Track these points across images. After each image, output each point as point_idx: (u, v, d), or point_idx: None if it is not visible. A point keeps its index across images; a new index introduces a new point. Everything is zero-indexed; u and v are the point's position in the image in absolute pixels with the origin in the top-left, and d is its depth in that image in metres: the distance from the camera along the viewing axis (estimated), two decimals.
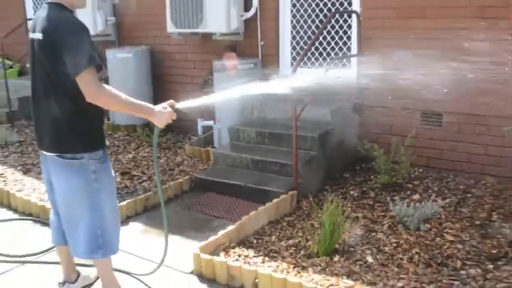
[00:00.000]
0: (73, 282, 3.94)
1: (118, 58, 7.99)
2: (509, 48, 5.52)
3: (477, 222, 4.90)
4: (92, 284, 4.07)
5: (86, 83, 3.16)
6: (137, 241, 4.89)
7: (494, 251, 4.36)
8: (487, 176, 5.90)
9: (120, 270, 4.17)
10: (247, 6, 7.24)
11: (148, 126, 7.79)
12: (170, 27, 7.50)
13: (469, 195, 5.55)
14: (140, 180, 6.18)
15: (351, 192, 5.74)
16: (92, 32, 7.68)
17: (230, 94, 3.95)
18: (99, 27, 8.33)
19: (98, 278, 3.95)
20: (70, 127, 3.36)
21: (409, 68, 5.91)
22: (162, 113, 3.43)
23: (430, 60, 5.83)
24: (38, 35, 3.25)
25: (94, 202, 3.48)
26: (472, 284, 3.90)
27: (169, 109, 3.47)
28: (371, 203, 5.45)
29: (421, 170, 6.21)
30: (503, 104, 5.63)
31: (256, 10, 7.19)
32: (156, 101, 7.95)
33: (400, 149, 5.82)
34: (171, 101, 3.56)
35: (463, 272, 4.08)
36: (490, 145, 5.89)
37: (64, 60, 3.16)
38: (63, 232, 3.68)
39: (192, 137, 7.67)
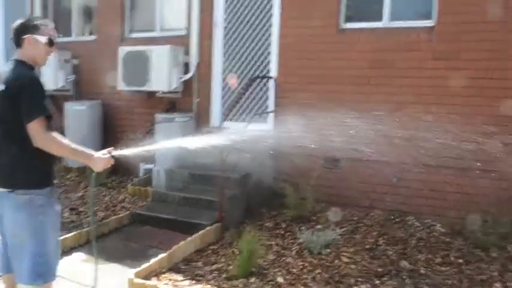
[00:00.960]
0: None
1: (74, 110, 7.66)
2: (386, 106, 5.69)
3: (367, 246, 4.88)
4: None
5: (35, 130, 3.00)
6: (79, 269, 4.50)
7: (380, 269, 4.33)
8: (375, 209, 5.92)
9: None
10: (186, 70, 7.16)
11: None
12: (121, 85, 7.30)
13: (361, 224, 5.54)
14: (86, 215, 5.79)
15: (267, 224, 5.61)
16: (53, 87, 7.74)
17: (159, 146, 3.82)
18: (60, 83, 8.01)
19: None
20: (23, 167, 3.15)
21: (314, 121, 5.96)
22: (100, 159, 3.24)
23: (329, 115, 5.91)
24: (2, 86, 3.10)
25: (39, 233, 3.21)
26: None
27: (107, 155, 3.29)
28: (283, 232, 5.34)
29: (323, 205, 6.14)
30: (386, 151, 5.72)
31: (193, 74, 7.11)
32: (105, 146, 7.74)
33: (307, 188, 5.79)
34: (110, 149, 3.39)
35: (355, 287, 4.00)
36: (377, 184, 5.95)
37: (20, 108, 3.00)
38: (9, 260, 3.36)
39: (134, 179, 7.32)
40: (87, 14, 8.68)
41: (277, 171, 6.44)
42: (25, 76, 3.10)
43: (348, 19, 6.24)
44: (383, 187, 5.92)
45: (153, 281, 3.98)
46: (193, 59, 7.10)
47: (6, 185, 3.18)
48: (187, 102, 7.21)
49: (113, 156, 3.34)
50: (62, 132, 7.52)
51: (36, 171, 3.20)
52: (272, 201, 6.22)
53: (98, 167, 3.26)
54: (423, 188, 5.72)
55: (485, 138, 5.36)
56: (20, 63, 3.18)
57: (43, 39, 3.21)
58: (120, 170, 7.62)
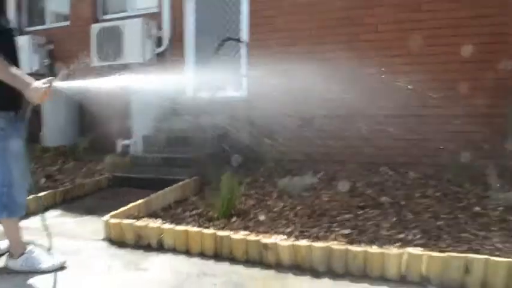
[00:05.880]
0: None
1: None
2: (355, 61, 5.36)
3: (346, 189, 4.50)
4: (3, 254, 3.14)
5: None
6: (57, 222, 3.99)
7: (361, 204, 3.95)
8: (350, 163, 5.56)
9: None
10: (160, 44, 6.71)
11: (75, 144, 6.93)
12: (94, 62, 6.80)
13: (337, 175, 5.17)
14: (63, 182, 5.23)
15: (245, 179, 5.16)
16: (28, 71, 7.08)
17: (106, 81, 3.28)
18: (35, 67, 7.48)
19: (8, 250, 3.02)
20: None
21: (289, 83, 5.59)
22: (37, 89, 2.63)
23: (305, 78, 5.56)
24: None
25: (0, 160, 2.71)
26: (347, 224, 3.44)
27: (47, 85, 2.66)
28: (262, 185, 4.93)
29: (300, 162, 5.71)
30: (357, 106, 5.40)
31: (167, 46, 6.68)
32: (83, 125, 7.23)
33: (284, 146, 5.38)
34: (50, 78, 2.80)
35: (339, 217, 3.61)
36: (350, 139, 5.59)
37: None
38: None
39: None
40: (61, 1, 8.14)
41: (255, 132, 6.02)
42: None
43: None
44: (356, 141, 5.57)
45: (129, 220, 3.48)
46: (166, 33, 6.68)
47: None
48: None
49: (50, 85, 2.75)
50: (39, 114, 6.97)
51: None
52: (249, 160, 5.80)
53: (35, 98, 2.65)
54: (393, 139, 5.41)
55: (444, 86, 5.12)
56: None
57: None
58: (96, 147, 7.12)
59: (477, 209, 3.74)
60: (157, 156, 5.36)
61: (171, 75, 6.59)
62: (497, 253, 2.79)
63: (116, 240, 3.38)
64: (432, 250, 2.83)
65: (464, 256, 2.48)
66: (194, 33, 6.68)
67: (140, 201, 3.90)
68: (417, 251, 2.66)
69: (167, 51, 6.69)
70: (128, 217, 3.62)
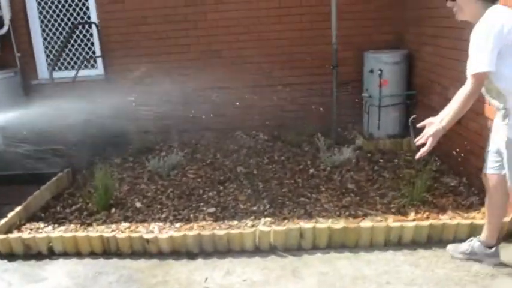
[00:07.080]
0: None
1: None
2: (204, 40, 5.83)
3: (208, 161, 5.15)
4: None
5: None
6: None
7: (222, 178, 4.63)
8: (207, 131, 6.14)
9: None
10: (1, 24, 6.25)
11: None
12: None
13: (199, 145, 5.78)
14: None
15: (115, 161, 5.46)
16: None
17: None
18: None
19: None
20: None
21: (142, 61, 5.89)
22: None
23: (153, 57, 5.90)
24: None
25: None
26: (211, 201, 4.11)
27: None
28: (132, 165, 5.29)
29: (163, 136, 6.14)
30: (211, 79, 5.92)
31: (9, 27, 6.25)
32: None
33: (145, 122, 5.76)
34: None
35: (205, 196, 4.25)
36: (207, 109, 6.14)
37: None
38: None
39: None
40: None
41: (117, 111, 6.19)
42: None
43: None
44: (215, 111, 6.12)
45: (15, 234, 3.68)
46: (6, 13, 6.20)
47: None
48: (9, 59, 6.35)
49: None
50: None
51: None
52: (116, 141, 6.04)
53: None
54: (243, 106, 6.11)
55: (284, 59, 5.91)
56: None
57: None
58: None
59: (312, 171, 4.69)
60: (20, 150, 5.30)
61: (18, 59, 6.34)
62: (324, 214, 3.74)
63: (5, 254, 3.55)
64: (278, 218, 3.67)
65: (298, 227, 3.31)
66: (38, 11, 6.35)
67: (19, 208, 4.01)
68: (266, 227, 3.43)
69: (11, 33, 6.27)
70: (10, 228, 3.78)
